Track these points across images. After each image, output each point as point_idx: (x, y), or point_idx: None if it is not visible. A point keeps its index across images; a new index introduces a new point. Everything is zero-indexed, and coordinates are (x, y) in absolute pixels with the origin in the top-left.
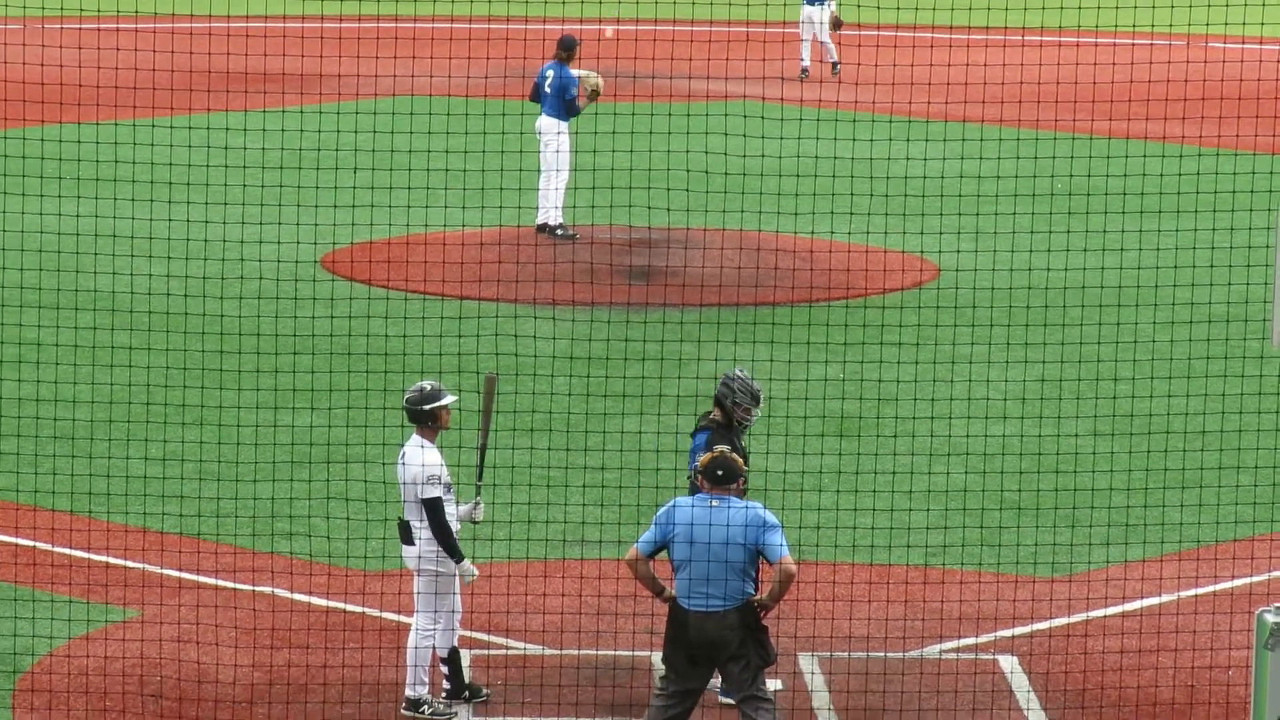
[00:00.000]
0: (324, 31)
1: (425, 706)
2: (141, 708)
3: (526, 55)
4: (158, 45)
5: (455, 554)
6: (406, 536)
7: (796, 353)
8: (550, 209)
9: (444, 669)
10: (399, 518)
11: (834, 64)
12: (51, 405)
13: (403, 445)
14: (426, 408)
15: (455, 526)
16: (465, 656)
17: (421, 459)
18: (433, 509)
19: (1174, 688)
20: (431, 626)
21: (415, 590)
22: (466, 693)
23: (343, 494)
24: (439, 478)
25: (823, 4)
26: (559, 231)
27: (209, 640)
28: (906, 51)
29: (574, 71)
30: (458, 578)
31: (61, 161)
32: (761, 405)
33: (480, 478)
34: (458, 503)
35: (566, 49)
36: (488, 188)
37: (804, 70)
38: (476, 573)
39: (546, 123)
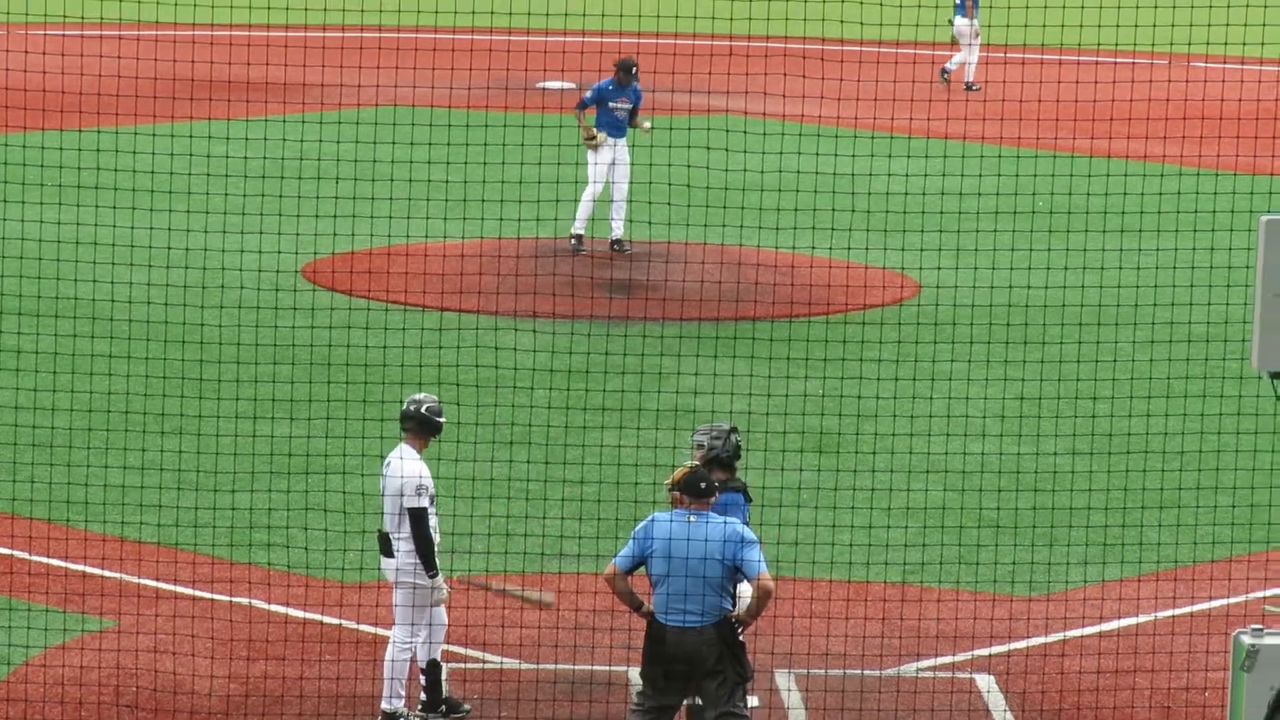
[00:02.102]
0: (307, 41)
1: (400, 719)
2: (117, 718)
3: (510, 67)
4: (140, 53)
5: (431, 566)
6: (386, 548)
7: (776, 368)
8: (577, 218)
9: (423, 680)
10: (379, 530)
11: (944, 73)
12: (30, 413)
13: (386, 456)
14: (437, 420)
15: (436, 539)
16: (443, 670)
17: (411, 470)
18: (417, 519)
19: (1150, 708)
20: (409, 639)
21: (394, 603)
22: (444, 706)
23: (321, 505)
24: (426, 488)
25: (970, 17)
26: (572, 242)
27: (185, 651)
28: (889, 68)
29: (612, 84)
30: (432, 591)
31: (43, 168)
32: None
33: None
34: (438, 514)
35: (620, 69)
36: (469, 199)
37: (944, 72)
38: (447, 593)
39: None
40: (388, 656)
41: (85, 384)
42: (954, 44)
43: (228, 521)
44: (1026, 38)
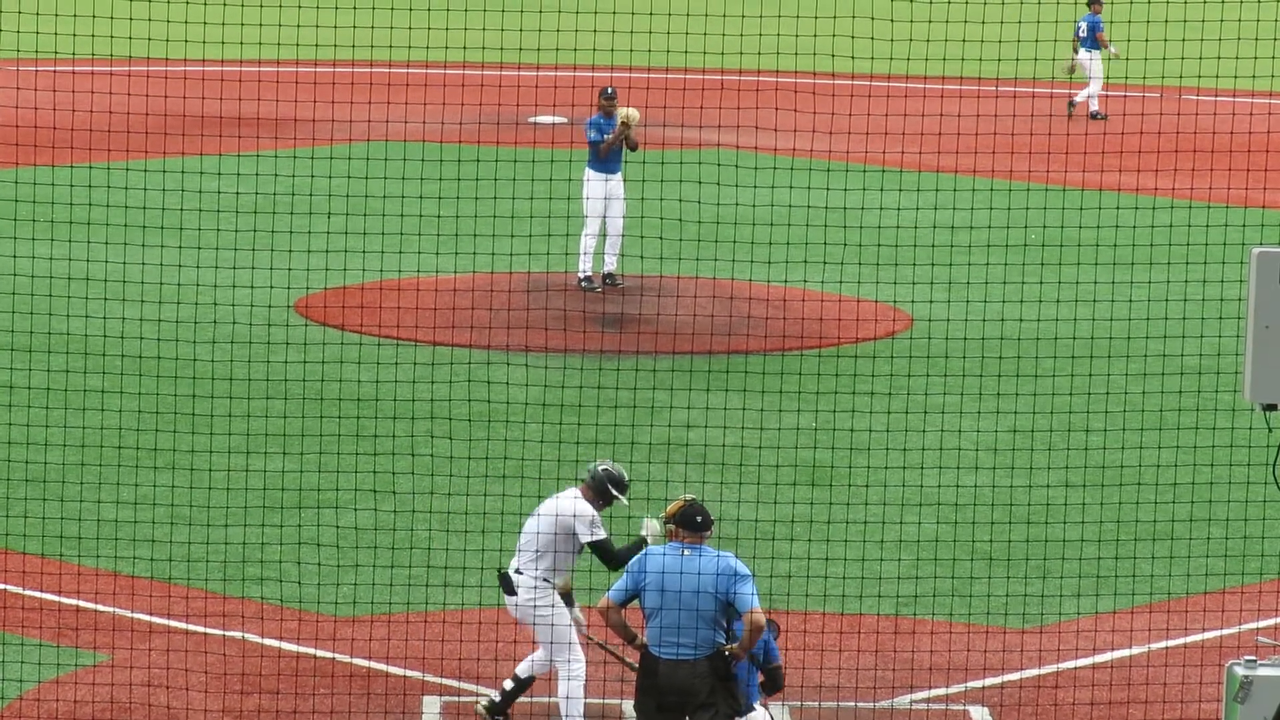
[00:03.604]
0: (298, 76)
1: None
2: None
3: (501, 102)
4: (131, 88)
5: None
6: (508, 587)
7: (769, 402)
8: (580, 256)
9: (508, 684)
10: (500, 570)
11: (1071, 105)
12: (22, 448)
13: (548, 498)
14: (609, 488)
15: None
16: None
17: (584, 509)
18: (604, 550)
19: None
20: (579, 665)
21: (535, 640)
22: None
23: (314, 539)
24: (599, 524)
25: (1092, 49)
26: (584, 283)
27: (179, 685)
28: (881, 101)
29: (602, 118)
30: (571, 627)
31: (35, 204)
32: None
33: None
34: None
35: (601, 96)
36: (461, 234)
37: (1094, 114)
38: (584, 620)
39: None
40: (561, 693)
41: (78, 419)
42: (1075, 78)
43: (221, 556)
44: (1018, 70)
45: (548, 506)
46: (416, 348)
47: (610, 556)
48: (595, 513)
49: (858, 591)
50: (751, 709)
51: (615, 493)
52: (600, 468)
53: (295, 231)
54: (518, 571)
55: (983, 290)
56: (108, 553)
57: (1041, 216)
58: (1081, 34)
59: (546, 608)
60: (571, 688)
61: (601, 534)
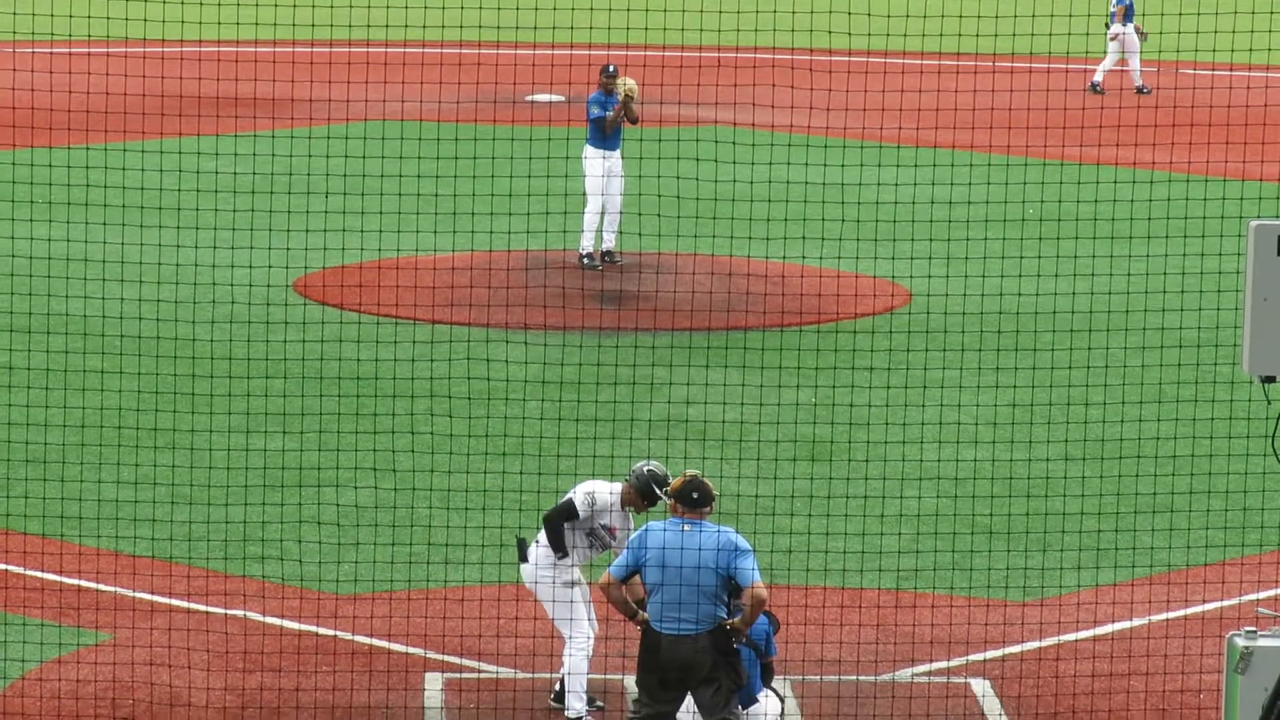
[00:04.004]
0: (295, 56)
1: None
2: None
3: (498, 80)
4: (129, 69)
5: (559, 549)
6: (523, 554)
7: (768, 377)
8: (584, 234)
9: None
10: (517, 537)
11: (1139, 87)
12: (23, 429)
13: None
14: (653, 488)
15: (575, 557)
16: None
17: (602, 490)
18: (562, 510)
19: (1145, 711)
20: (581, 636)
21: (549, 615)
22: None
23: (315, 518)
24: (595, 503)
25: (1125, 22)
26: (584, 260)
27: (181, 663)
28: (877, 77)
29: (603, 95)
30: (586, 602)
31: (33, 185)
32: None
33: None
34: (590, 551)
35: (602, 74)
36: (459, 212)
37: (1094, 85)
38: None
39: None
40: (565, 668)
41: (78, 399)
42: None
43: (222, 535)
44: (1014, 45)
45: (585, 485)
46: (416, 326)
47: (557, 516)
48: (608, 505)
49: (858, 566)
50: (754, 700)
51: (659, 493)
52: (645, 468)
53: (294, 211)
54: (536, 542)
55: (981, 265)
56: (109, 532)
57: (1040, 191)
58: (1113, 6)
59: (548, 580)
60: (575, 662)
61: (582, 511)
